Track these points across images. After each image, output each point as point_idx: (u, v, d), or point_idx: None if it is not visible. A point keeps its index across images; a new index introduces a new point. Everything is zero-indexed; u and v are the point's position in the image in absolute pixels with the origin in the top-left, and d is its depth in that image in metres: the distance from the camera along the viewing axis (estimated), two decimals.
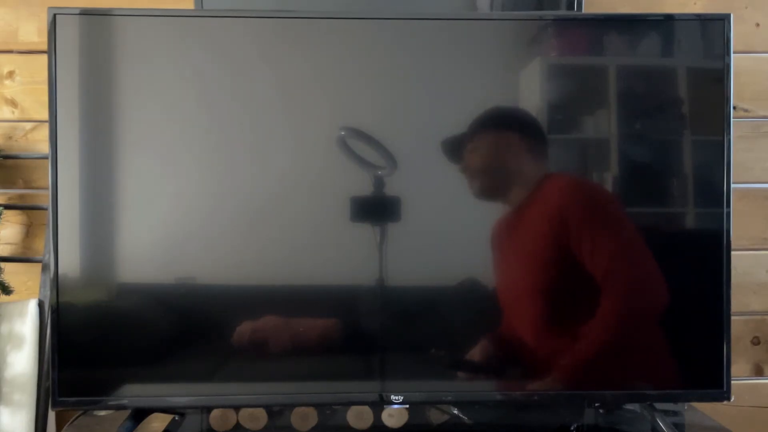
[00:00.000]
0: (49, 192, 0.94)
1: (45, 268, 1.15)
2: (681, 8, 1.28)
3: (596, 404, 1.10)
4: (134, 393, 0.96)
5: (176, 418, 1.08)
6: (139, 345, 0.97)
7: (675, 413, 1.11)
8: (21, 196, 1.23)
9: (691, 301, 0.99)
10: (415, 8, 1.17)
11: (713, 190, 0.99)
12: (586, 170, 1.03)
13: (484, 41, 0.99)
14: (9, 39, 1.23)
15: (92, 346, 0.96)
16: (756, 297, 1.30)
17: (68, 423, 1.07)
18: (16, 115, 1.24)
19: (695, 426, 1.09)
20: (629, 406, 1.13)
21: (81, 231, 0.95)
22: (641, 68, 1.01)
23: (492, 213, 0.99)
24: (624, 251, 1.01)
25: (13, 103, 1.23)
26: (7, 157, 1.20)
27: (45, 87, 0.94)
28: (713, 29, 0.99)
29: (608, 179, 1.01)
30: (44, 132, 1.21)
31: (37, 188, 1.23)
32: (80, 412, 1.09)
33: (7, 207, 1.18)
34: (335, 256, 0.97)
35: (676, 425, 1.03)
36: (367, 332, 0.99)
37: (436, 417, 1.08)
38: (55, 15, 0.94)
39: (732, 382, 0.99)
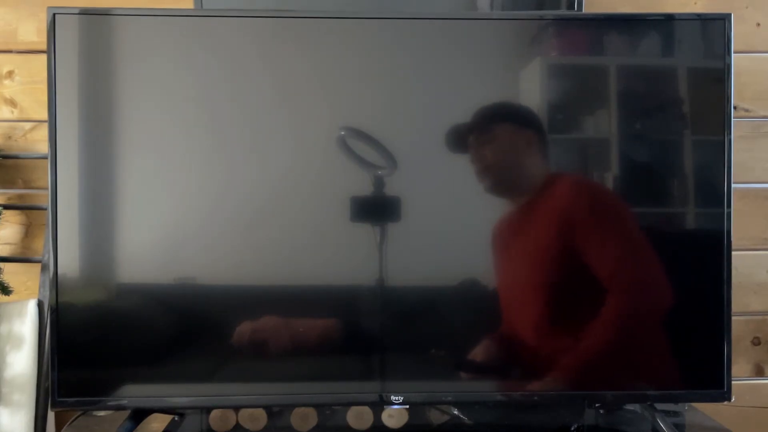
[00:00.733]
0: (49, 192, 0.94)
1: (44, 268, 1.15)
2: (681, 8, 1.28)
3: (597, 404, 1.10)
4: (134, 393, 0.96)
5: (176, 419, 1.08)
6: (139, 345, 0.97)
7: (675, 413, 1.11)
8: (20, 196, 1.23)
9: (692, 302, 0.99)
10: (415, 8, 1.17)
11: (714, 190, 0.99)
12: (586, 170, 1.03)
13: (484, 41, 0.99)
14: (8, 39, 1.23)
15: (92, 347, 0.95)
16: (756, 297, 1.30)
17: (68, 423, 1.07)
18: (16, 114, 1.23)
19: (696, 426, 1.09)
20: (630, 407, 1.13)
21: (80, 231, 0.95)
22: (641, 68, 1.01)
23: (493, 212, 0.99)
24: (630, 253, 1.01)
25: (12, 103, 1.23)
26: (6, 157, 1.20)
27: (44, 87, 0.94)
28: (714, 29, 0.99)
29: (608, 179, 1.01)
30: (44, 132, 1.21)
31: (37, 188, 1.23)
32: (80, 413, 1.09)
33: (7, 207, 1.18)
34: (335, 256, 0.97)
35: (676, 425, 1.03)
36: (367, 332, 0.99)
37: (436, 417, 1.08)
38: (54, 15, 0.93)
39: (732, 382, 0.99)
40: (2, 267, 1.14)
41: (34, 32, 1.23)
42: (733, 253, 0.99)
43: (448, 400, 1.02)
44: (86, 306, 0.95)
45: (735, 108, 1.26)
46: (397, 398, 0.97)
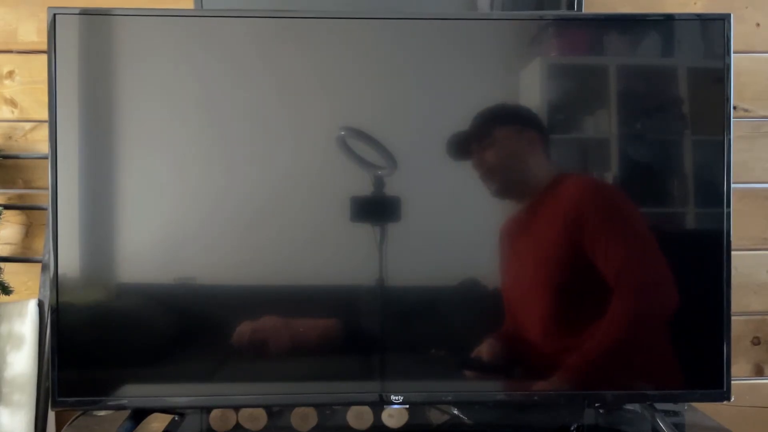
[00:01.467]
0: (49, 192, 0.94)
1: (45, 268, 1.15)
2: (681, 8, 1.28)
3: (596, 404, 1.10)
4: (134, 393, 0.96)
5: (176, 419, 1.08)
6: (139, 345, 0.97)
7: (675, 413, 1.11)
8: (21, 196, 1.23)
9: (692, 301, 0.99)
10: (416, 8, 1.17)
11: (713, 190, 0.99)
12: (586, 170, 1.03)
13: (484, 41, 0.99)
14: (9, 39, 1.23)
15: (92, 347, 0.95)
16: (756, 297, 1.30)
17: (68, 423, 1.07)
18: (16, 114, 1.23)
19: (695, 426, 1.09)
20: (629, 406, 1.13)
21: (81, 231, 0.95)
22: (641, 68, 1.01)
23: (493, 212, 0.99)
24: (637, 253, 1.00)
25: (12, 103, 1.23)
26: (6, 157, 1.20)
27: (45, 87, 0.94)
28: (713, 29, 0.99)
29: (608, 179, 1.01)
30: (44, 132, 1.21)
31: (37, 188, 1.23)
32: (80, 413, 1.09)
33: (7, 207, 1.18)
34: (335, 256, 0.97)
35: (676, 425, 1.03)
36: (367, 332, 0.99)
37: (436, 417, 1.08)
38: (54, 15, 0.93)
39: (732, 382, 0.99)
40: (2, 267, 1.14)
41: (34, 32, 1.23)
42: (733, 253, 0.99)
43: (448, 400, 1.02)
44: (86, 306, 0.95)
45: (735, 108, 1.26)
46: (397, 398, 0.97)
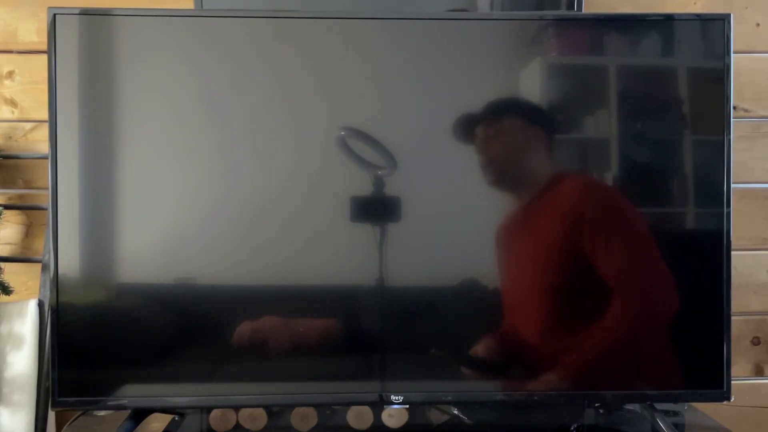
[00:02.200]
0: (49, 192, 0.94)
1: (45, 268, 1.15)
2: (681, 8, 1.28)
3: (596, 404, 1.10)
4: (134, 393, 0.96)
5: (176, 419, 1.08)
6: (139, 345, 0.97)
7: (675, 413, 1.11)
8: (21, 196, 1.23)
9: (692, 301, 0.99)
10: (416, 8, 1.17)
11: (713, 190, 0.99)
12: (586, 170, 1.03)
13: (485, 41, 0.99)
14: (9, 39, 1.23)
15: (92, 346, 0.95)
16: (756, 297, 1.30)
17: (68, 423, 1.07)
18: (16, 115, 1.23)
19: (695, 426, 1.09)
20: (629, 406, 1.13)
21: (81, 231, 0.95)
22: (641, 68, 1.01)
23: (493, 212, 0.99)
24: (638, 255, 1.00)
25: (12, 103, 1.23)
26: (6, 157, 1.20)
27: (45, 87, 0.94)
28: (713, 29, 0.99)
29: (608, 179, 1.01)
30: (44, 132, 1.21)
31: (37, 188, 1.23)
32: (80, 413, 1.09)
33: (7, 207, 1.18)
34: (335, 256, 0.97)
35: (676, 425, 1.03)
36: (367, 332, 0.99)
37: (436, 417, 1.08)
38: (54, 15, 0.93)
39: (732, 382, 0.99)
40: (3, 267, 1.14)
41: (34, 32, 1.23)
42: (733, 253, 0.99)
43: (448, 400, 1.02)
44: (86, 306, 0.95)
45: (734, 108, 1.26)
46: (397, 398, 0.97)
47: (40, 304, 1.12)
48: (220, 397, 0.98)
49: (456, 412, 1.09)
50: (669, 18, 1.01)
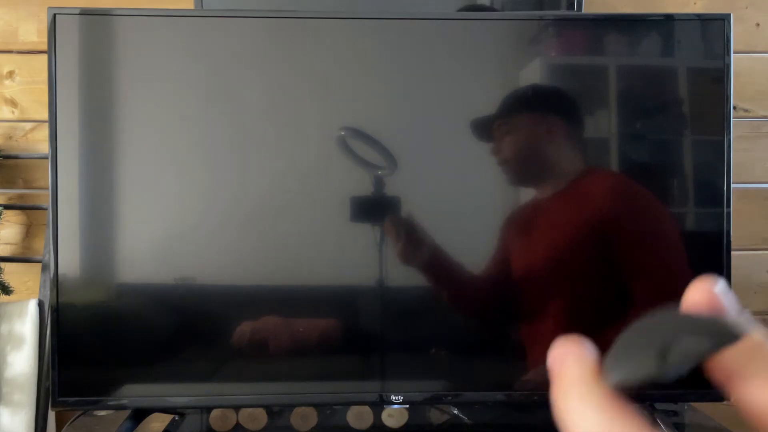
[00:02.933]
0: (49, 192, 0.94)
1: (45, 268, 1.15)
2: (681, 8, 1.28)
3: None
4: (134, 393, 0.96)
5: (176, 419, 1.08)
6: (139, 345, 0.97)
7: (675, 413, 1.11)
8: (21, 196, 1.23)
9: None
10: (416, 8, 1.17)
11: (713, 190, 0.99)
12: (619, 169, 1.01)
13: (484, 41, 0.99)
14: (9, 39, 1.23)
15: (92, 346, 0.96)
16: (756, 297, 1.30)
17: (68, 423, 1.07)
18: (16, 115, 1.23)
19: (695, 426, 1.09)
20: None
21: (81, 231, 0.95)
22: (641, 68, 1.01)
23: (494, 212, 0.99)
24: (669, 272, 0.99)
25: (12, 103, 1.23)
26: (6, 157, 1.20)
27: (45, 87, 0.94)
28: (713, 29, 0.99)
29: (643, 182, 1.00)
30: (44, 132, 1.21)
31: (37, 188, 1.23)
32: (80, 412, 1.09)
33: (7, 207, 1.18)
34: (335, 256, 0.97)
35: (676, 425, 1.03)
36: (367, 332, 0.99)
37: (436, 417, 1.08)
38: (54, 15, 0.93)
39: None
40: (2, 267, 1.14)
41: (34, 32, 1.23)
42: (733, 253, 0.99)
43: (448, 399, 1.02)
44: (86, 306, 0.95)
45: (734, 108, 1.26)
46: (397, 398, 0.97)
47: (40, 304, 1.13)
48: (220, 397, 0.98)
49: (456, 412, 1.09)
50: (669, 18, 1.01)
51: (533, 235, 0.99)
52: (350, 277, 0.98)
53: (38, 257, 1.20)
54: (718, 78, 0.98)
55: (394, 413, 1.05)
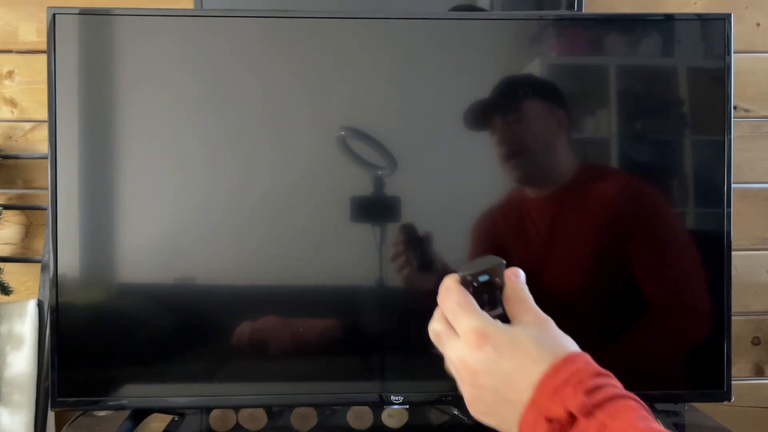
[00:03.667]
0: (49, 192, 0.94)
1: (44, 268, 1.15)
2: (681, 8, 1.28)
3: None
4: (134, 393, 0.96)
5: (176, 419, 1.08)
6: (139, 345, 0.97)
7: (675, 413, 1.11)
8: (20, 196, 1.23)
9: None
10: (416, 8, 1.17)
11: (713, 190, 0.99)
12: (633, 168, 1.01)
13: (484, 41, 0.99)
14: (8, 39, 1.23)
15: (92, 347, 0.95)
16: (756, 297, 1.30)
17: (68, 423, 1.07)
18: (16, 114, 1.23)
19: (696, 426, 1.09)
20: None
21: (80, 231, 0.95)
22: (641, 68, 1.01)
23: (495, 212, 0.98)
24: (683, 277, 0.98)
25: (12, 103, 1.23)
26: (6, 157, 1.20)
27: (44, 87, 0.94)
28: (714, 29, 0.99)
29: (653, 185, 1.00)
30: (44, 132, 1.21)
31: (37, 188, 1.23)
32: (80, 413, 1.09)
33: (7, 207, 1.18)
34: (335, 256, 0.97)
35: (676, 425, 1.03)
36: (367, 332, 0.99)
37: (436, 417, 1.08)
38: (54, 15, 0.93)
39: (732, 382, 0.99)
40: (2, 267, 1.14)
41: (34, 32, 1.23)
42: (733, 253, 0.99)
43: (448, 399, 1.02)
44: (86, 306, 0.95)
45: (735, 108, 1.26)
46: (397, 398, 0.97)
47: (40, 304, 1.12)
48: (220, 397, 0.98)
49: (456, 412, 1.09)
50: (669, 18, 1.00)
51: (538, 235, 0.99)
52: (350, 277, 0.98)
53: (38, 257, 1.20)
54: (719, 78, 0.98)
55: (394, 413, 1.05)
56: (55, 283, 0.94)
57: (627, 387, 0.99)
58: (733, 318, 0.99)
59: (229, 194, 0.96)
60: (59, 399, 0.94)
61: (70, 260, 0.94)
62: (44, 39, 0.94)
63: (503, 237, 0.98)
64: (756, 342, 1.31)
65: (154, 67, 0.95)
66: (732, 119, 0.98)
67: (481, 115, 0.96)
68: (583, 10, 1.19)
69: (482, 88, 0.98)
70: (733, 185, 0.98)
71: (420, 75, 0.98)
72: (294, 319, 0.97)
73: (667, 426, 0.99)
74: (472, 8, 1.22)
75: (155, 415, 1.06)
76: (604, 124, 1.00)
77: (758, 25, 1.28)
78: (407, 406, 1.04)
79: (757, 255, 1.29)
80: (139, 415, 1.03)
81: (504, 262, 0.59)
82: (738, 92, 1.23)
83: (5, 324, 1.11)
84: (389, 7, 1.13)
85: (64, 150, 0.94)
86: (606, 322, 0.99)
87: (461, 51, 0.98)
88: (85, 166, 0.94)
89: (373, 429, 1.05)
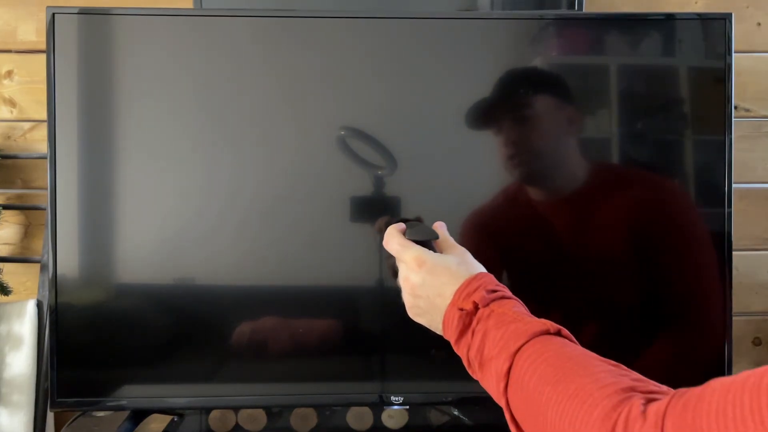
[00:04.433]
0: (48, 192, 0.94)
1: (43, 268, 1.15)
2: (682, 7, 1.27)
3: None
4: (133, 394, 0.96)
5: (175, 419, 1.08)
6: (138, 345, 0.97)
7: None
8: (19, 196, 1.23)
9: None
10: (416, 7, 1.17)
11: (714, 190, 0.99)
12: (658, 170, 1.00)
13: (485, 40, 0.98)
14: (8, 38, 1.23)
15: (91, 347, 0.95)
16: (757, 297, 1.29)
17: (67, 424, 1.07)
18: (15, 114, 1.23)
19: None
20: None
21: (80, 231, 0.94)
22: (642, 68, 1.01)
23: (495, 211, 0.98)
24: (702, 289, 0.97)
25: (11, 103, 1.23)
26: (5, 156, 1.19)
27: (44, 86, 0.94)
28: (714, 29, 0.98)
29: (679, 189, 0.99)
30: (43, 132, 1.20)
31: (36, 188, 1.22)
32: (79, 413, 1.09)
33: (6, 207, 1.18)
34: (335, 256, 0.97)
35: None
36: (367, 333, 0.99)
37: (436, 418, 1.08)
38: (53, 14, 0.93)
39: None
40: (1, 267, 1.14)
41: (33, 32, 1.22)
42: (734, 253, 0.98)
43: (448, 400, 1.02)
44: (85, 306, 0.95)
45: (736, 108, 1.25)
46: (397, 399, 0.97)
47: (39, 305, 1.12)
48: (220, 397, 0.98)
49: (456, 413, 1.09)
50: (670, 17, 1.00)
51: (547, 236, 0.98)
52: (350, 277, 0.98)
53: (37, 257, 1.20)
54: (719, 78, 0.98)
55: (394, 414, 1.05)
56: (55, 283, 0.94)
57: None
58: (734, 318, 0.98)
59: (229, 194, 0.96)
60: (59, 399, 0.94)
61: (69, 260, 0.94)
62: (43, 39, 0.94)
63: (504, 236, 0.98)
64: (757, 342, 1.30)
65: (153, 67, 0.95)
66: (733, 119, 0.98)
67: (485, 114, 0.95)
68: (584, 10, 1.19)
69: (483, 88, 0.97)
70: (733, 185, 0.98)
71: (420, 75, 0.97)
72: (294, 319, 0.97)
73: None
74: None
75: (154, 415, 1.06)
76: (604, 124, 0.99)
77: (759, 24, 1.28)
78: (407, 407, 1.04)
79: (758, 255, 1.29)
80: (139, 415, 1.03)
81: (439, 236, 0.79)
82: (739, 92, 1.23)
83: (4, 324, 1.11)
84: (389, 7, 1.13)
85: (64, 150, 0.94)
86: (615, 319, 0.99)
87: (461, 51, 0.98)
88: (85, 166, 0.94)
89: (373, 429, 1.05)
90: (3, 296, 1.12)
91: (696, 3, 1.28)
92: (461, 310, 0.68)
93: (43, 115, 0.96)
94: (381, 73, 0.98)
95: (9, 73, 1.23)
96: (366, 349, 0.98)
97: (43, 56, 0.94)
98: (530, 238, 0.98)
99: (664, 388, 0.50)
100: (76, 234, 0.94)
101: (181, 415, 1.09)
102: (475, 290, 0.68)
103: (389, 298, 0.97)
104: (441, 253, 0.76)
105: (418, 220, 0.89)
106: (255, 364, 0.97)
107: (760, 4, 1.28)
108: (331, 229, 0.97)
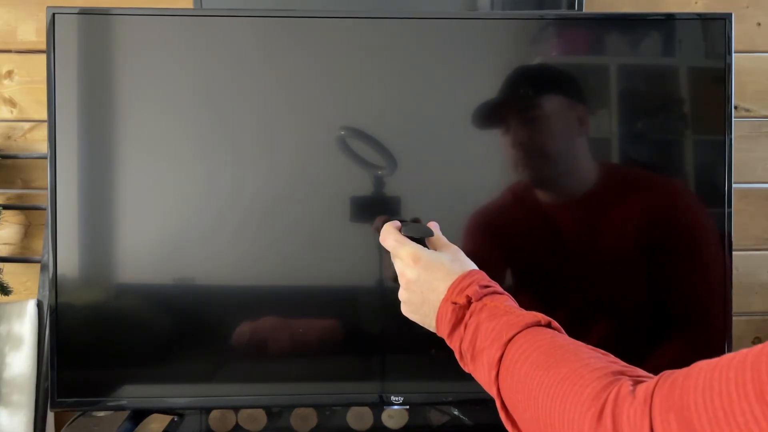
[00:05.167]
0: (48, 192, 0.94)
1: (44, 268, 1.15)
2: (682, 7, 1.27)
3: None
4: (133, 394, 0.96)
5: (175, 419, 1.08)
6: (139, 346, 0.97)
7: None
8: (20, 196, 1.23)
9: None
10: (416, 7, 1.17)
11: (714, 191, 0.99)
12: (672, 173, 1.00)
13: (485, 40, 0.98)
14: (8, 38, 1.23)
15: (91, 347, 0.95)
16: (758, 297, 1.29)
17: (67, 424, 1.07)
18: (15, 114, 1.23)
19: None
20: None
21: (80, 231, 0.94)
22: (642, 68, 1.01)
23: (496, 211, 0.98)
24: (710, 296, 0.97)
25: (11, 103, 1.23)
26: (5, 156, 1.19)
27: (44, 86, 0.94)
28: (714, 28, 0.98)
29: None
30: (43, 132, 1.20)
31: (36, 188, 1.23)
32: (79, 413, 1.09)
33: (6, 207, 1.18)
34: (335, 256, 0.97)
35: None
36: (367, 333, 0.99)
37: (436, 418, 1.08)
38: (54, 14, 0.93)
39: None
40: (2, 267, 1.14)
41: (33, 32, 1.23)
42: (734, 253, 0.98)
43: (448, 400, 1.02)
44: (86, 306, 0.95)
45: (736, 108, 1.26)
46: (397, 398, 0.97)
47: (39, 305, 1.12)
48: (220, 397, 0.98)
49: (456, 413, 1.09)
50: (670, 17, 1.00)
51: (554, 237, 0.97)
52: (350, 277, 0.98)
53: (37, 257, 1.20)
54: (719, 78, 0.98)
55: (394, 414, 1.05)
56: (55, 283, 0.94)
57: None
58: (734, 318, 0.98)
59: (229, 194, 0.96)
60: (59, 399, 0.94)
61: (69, 260, 0.94)
62: (43, 39, 0.94)
63: (510, 236, 0.97)
64: (757, 342, 1.30)
65: (153, 67, 0.95)
66: (733, 119, 0.98)
67: (494, 114, 0.95)
68: (584, 10, 1.19)
69: (483, 88, 0.97)
70: (733, 185, 0.98)
71: (420, 75, 0.97)
72: (294, 319, 0.97)
73: None
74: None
75: (154, 415, 1.06)
76: (604, 124, 1.00)
77: (759, 24, 1.28)
78: (407, 407, 1.04)
79: (758, 255, 1.29)
80: (139, 415, 1.03)
81: (433, 233, 0.83)
82: (739, 92, 1.23)
83: (4, 324, 1.11)
84: (389, 7, 1.13)
85: (64, 150, 0.94)
86: (621, 321, 0.99)
87: (462, 51, 0.98)
88: (85, 166, 0.94)
89: (373, 429, 1.05)
90: (3, 296, 1.12)
91: (696, 3, 1.28)
92: (454, 304, 0.71)
93: (43, 115, 0.97)
94: (381, 73, 0.98)
95: (9, 73, 1.23)
96: (366, 349, 0.98)
97: (43, 56, 0.94)
98: (537, 239, 0.98)
99: (653, 375, 0.51)
100: (76, 234, 0.94)
101: (181, 415, 1.09)
102: (468, 285, 0.71)
103: (389, 298, 0.97)
104: (434, 250, 0.79)
105: (416, 221, 0.92)
106: (255, 364, 0.97)
107: (760, 4, 1.28)
108: (331, 229, 0.97)
